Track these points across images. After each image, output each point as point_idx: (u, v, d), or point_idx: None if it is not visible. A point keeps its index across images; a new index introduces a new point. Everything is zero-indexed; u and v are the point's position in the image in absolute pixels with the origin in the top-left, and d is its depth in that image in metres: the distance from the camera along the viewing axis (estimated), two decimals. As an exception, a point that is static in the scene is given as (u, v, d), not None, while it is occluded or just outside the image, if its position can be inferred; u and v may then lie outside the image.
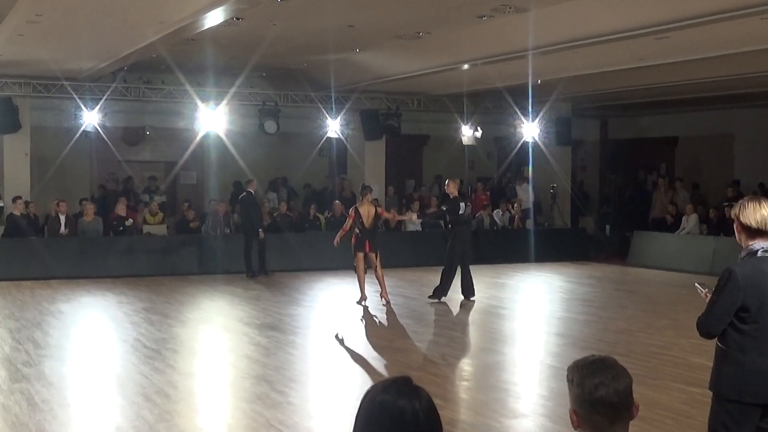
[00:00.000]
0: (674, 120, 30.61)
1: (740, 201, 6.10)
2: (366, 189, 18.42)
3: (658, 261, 25.13)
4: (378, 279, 18.02)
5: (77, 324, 16.24)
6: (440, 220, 19.18)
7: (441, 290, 18.46)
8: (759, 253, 5.96)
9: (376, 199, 26.48)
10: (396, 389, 3.19)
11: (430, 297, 18.50)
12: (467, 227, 19.48)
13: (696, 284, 6.58)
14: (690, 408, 9.83)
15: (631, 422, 3.63)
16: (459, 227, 18.61)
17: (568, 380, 3.63)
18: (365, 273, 18.00)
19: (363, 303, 17.88)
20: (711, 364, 6.22)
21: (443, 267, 18.57)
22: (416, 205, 26.87)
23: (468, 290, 18.64)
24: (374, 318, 16.79)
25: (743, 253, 6.05)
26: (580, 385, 3.55)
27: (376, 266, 17.90)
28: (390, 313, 17.31)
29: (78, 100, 23.39)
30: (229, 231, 24.25)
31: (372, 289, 18.17)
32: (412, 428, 3.13)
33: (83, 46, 19.51)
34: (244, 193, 22.99)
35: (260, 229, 22.62)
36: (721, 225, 23.59)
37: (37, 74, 22.98)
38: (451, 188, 18.55)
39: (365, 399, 3.23)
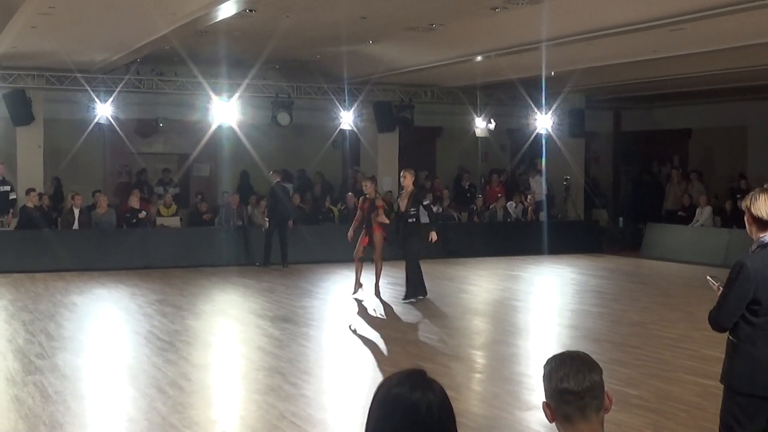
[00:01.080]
0: (688, 112, 30.52)
1: (751, 193, 6.08)
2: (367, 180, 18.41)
3: (672, 253, 25.08)
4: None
5: (90, 316, 16.27)
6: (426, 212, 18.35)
7: (417, 289, 17.78)
8: (770, 245, 5.96)
9: (390, 192, 26.59)
10: (410, 382, 3.19)
11: (404, 299, 17.63)
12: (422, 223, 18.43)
13: (708, 277, 6.57)
14: (703, 400, 9.81)
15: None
16: (418, 224, 17.80)
17: (542, 377, 3.68)
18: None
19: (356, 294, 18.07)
20: (723, 357, 6.21)
21: (407, 267, 17.76)
22: (429, 196, 26.84)
23: (414, 289, 17.74)
24: (387, 310, 16.78)
25: (754, 246, 6.04)
26: (548, 378, 3.61)
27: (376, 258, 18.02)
28: (403, 305, 17.29)
29: (91, 92, 23.41)
30: (241, 223, 24.23)
31: (385, 281, 18.18)
32: (426, 421, 3.13)
33: (96, 38, 19.54)
34: (276, 182, 23.17)
35: (290, 220, 22.94)
36: (734, 217, 23.52)
37: (50, 66, 23.01)
38: (408, 181, 17.56)
39: (379, 392, 3.23)
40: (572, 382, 3.52)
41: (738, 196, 22.00)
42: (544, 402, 3.65)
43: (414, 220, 17.40)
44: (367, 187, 18.06)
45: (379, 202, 17.82)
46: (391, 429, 3.14)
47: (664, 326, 15.11)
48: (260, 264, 22.77)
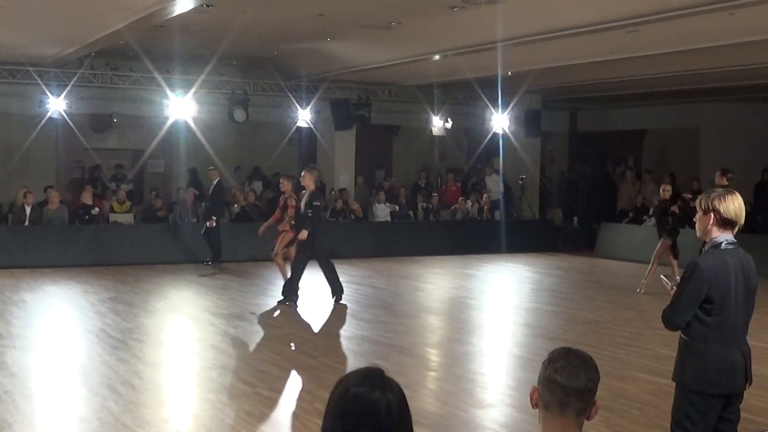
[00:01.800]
0: (642, 113, 30.77)
1: (715, 193, 6.09)
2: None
3: (625, 252, 25.22)
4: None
5: (41, 314, 16.08)
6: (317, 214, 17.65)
7: (336, 288, 17.27)
8: (723, 246, 6.03)
9: (345, 189, 26.62)
10: (370, 382, 3.17)
11: (336, 301, 17.19)
12: (324, 222, 17.97)
13: (661, 276, 6.64)
14: (655, 398, 9.88)
15: (598, 412, 3.64)
16: (320, 222, 17.44)
17: (543, 361, 3.72)
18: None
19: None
20: (675, 355, 6.26)
21: (321, 268, 17.29)
22: (382, 195, 26.87)
23: (289, 291, 17.15)
24: (342, 308, 16.75)
25: (707, 246, 6.11)
26: (546, 364, 3.66)
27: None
28: (358, 303, 17.28)
29: (43, 87, 23.17)
30: (196, 220, 24.11)
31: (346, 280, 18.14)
32: (384, 420, 3.12)
33: (49, 31, 19.35)
34: (217, 180, 22.89)
35: (214, 217, 22.49)
36: (686, 217, 23.66)
37: (2, 60, 22.74)
38: (307, 180, 16.97)
39: (336, 391, 3.21)
40: (564, 376, 3.57)
41: (689, 196, 22.12)
42: (534, 386, 3.70)
43: (309, 220, 16.81)
44: (284, 185, 17.83)
45: (291, 202, 17.41)
46: (349, 428, 3.12)
47: (618, 325, 15.19)
48: (211, 262, 22.61)
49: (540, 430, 3.66)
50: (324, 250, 17.13)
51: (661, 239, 18.76)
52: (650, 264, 18.60)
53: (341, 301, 17.05)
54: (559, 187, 32.50)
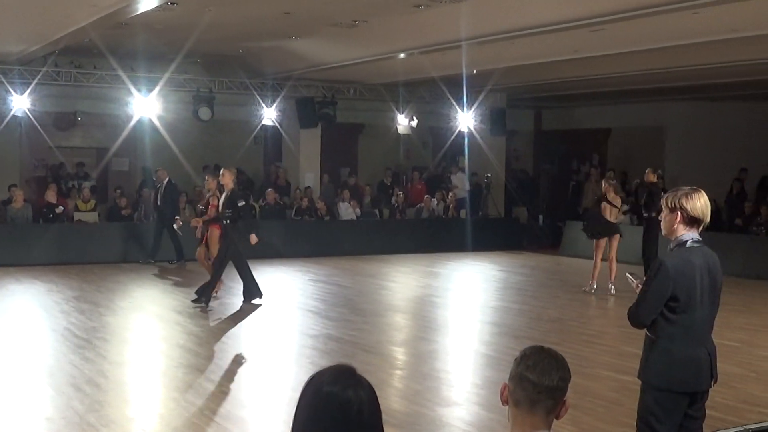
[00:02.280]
0: (607, 112, 30.89)
1: (681, 191, 6.11)
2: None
3: (590, 251, 25.08)
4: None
5: (5, 312, 15.96)
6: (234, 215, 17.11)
7: (252, 290, 16.92)
8: (688, 244, 6.05)
9: (309, 187, 26.61)
10: (342, 380, 3.17)
11: (245, 301, 16.79)
12: (251, 221, 17.29)
13: (627, 274, 6.66)
14: (621, 396, 9.93)
15: (567, 411, 3.66)
16: (239, 222, 16.73)
17: (514, 359, 3.72)
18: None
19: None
20: (641, 353, 6.29)
21: (236, 268, 16.86)
22: (347, 194, 26.86)
23: (203, 291, 16.64)
24: (308, 307, 16.74)
25: (672, 244, 6.14)
26: (518, 361, 3.65)
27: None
28: (324, 301, 17.29)
29: (7, 84, 22.98)
30: (150, 219, 24.02)
31: (308, 278, 18.13)
32: (357, 419, 3.13)
33: (12, 28, 19.18)
34: (167, 180, 22.90)
35: (177, 217, 21.98)
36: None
37: (-35, 58, 22.60)
38: (227, 179, 16.50)
39: (308, 389, 3.21)
40: (536, 374, 3.57)
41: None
42: (504, 382, 3.69)
43: (229, 221, 16.39)
44: (209, 183, 17.59)
45: (213, 201, 17.13)
46: (322, 427, 3.13)
47: (583, 323, 15.28)
48: (173, 261, 22.57)
49: (509, 428, 3.67)
50: (234, 252, 16.54)
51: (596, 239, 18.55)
52: (609, 265, 18.30)
53: (255, 301, 16.75)
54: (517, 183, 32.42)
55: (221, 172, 16.75)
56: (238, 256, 16.60)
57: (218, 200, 16.76)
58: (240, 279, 16.85)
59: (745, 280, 20.00)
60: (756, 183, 26.09)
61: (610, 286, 18.15)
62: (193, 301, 16.45)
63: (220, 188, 16.80)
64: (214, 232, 17.02)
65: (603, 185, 19.04)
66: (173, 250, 22.56)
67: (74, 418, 9.08)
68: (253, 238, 16.57)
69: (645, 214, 19.36)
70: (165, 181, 22.80)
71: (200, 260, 17.90)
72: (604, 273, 18.30)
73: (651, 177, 18.97)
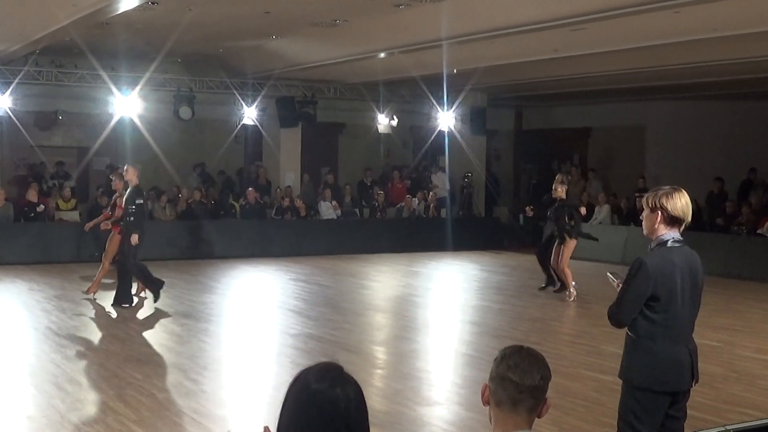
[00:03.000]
0: (588, 111, 30.94)
1: (662, 190, 6.11)
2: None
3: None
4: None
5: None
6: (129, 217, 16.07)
7: (123, 295, 16.21)
8: (669, 243, 6.06)
9: (290, 187, 26.60)
10: (330, 378, 3.18)
11: (113, 305, 16.11)
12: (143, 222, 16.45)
13: (608, 274, 6.66)
14: (601, 396, 9.96)
15: (548, 410, 3.67)
16: (137, 222, 15.94)
17: (494, 359, 3.71)
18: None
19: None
20: (622, 353, 6.31)
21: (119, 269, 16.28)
22: (327, 193, 26.86)
23: (122, 294, 16.22)
24: (289, 306, 16.75)
25: (653, 244, 6.14)
26: (498, 361, 3.65)
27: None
28: (304, 300, 17.30)
29: (-12, 84, 22.95)
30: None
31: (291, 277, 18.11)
32: (344, 417, 3.14)
33: (-7, 28, 19.15)
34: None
35: None
36: (632, 215, 23.92)
37: (-55, 57, 22.50)
38: (130, 175, 15.93)
39: (295, 387, 3.21)
40: (518, 374, 3.57)
41: (636, 195, 22.32)
42: (485, 383, 3.69)
43: (132, 218, 15.81)
44: (116, 183, 17.03)
45: (119, 201, 16.49)
46: (309, 425, 3.13)
47: (564, 322, 15.33)
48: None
49: (490, 428, 3.69)
50: (131, 252, 15.86)
51: (566, 240, 17.56)
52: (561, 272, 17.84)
53: (123, 306, 16.03)
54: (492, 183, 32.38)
55: (125, 168, 16.18)
56: (124, 254, 16.03)
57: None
58: (119, 280, 16.25)
59: (726, 280, 20.07)
60: (737, 182, 26.15)
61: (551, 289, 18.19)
62: (112, 304, 16.11)
63: (127, 188, 16.16)
64: (116, 236, 16.47)
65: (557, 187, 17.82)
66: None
67: (55, 416, 9.06)
68: (134, 239, 15.81)
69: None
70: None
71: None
72: (585, 272, 18.35)
73: (560, 193, 18.09)
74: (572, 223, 17.57)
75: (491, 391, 3.65)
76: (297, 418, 3.16)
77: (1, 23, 18.50)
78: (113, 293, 16.20)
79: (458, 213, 28.53)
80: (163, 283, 16.40)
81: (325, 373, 3.20)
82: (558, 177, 18.44)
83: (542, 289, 18.48)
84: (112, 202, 17.32)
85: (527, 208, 19.43)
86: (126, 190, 16.12)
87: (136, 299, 16.53)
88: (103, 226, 17.25)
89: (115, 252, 16.53)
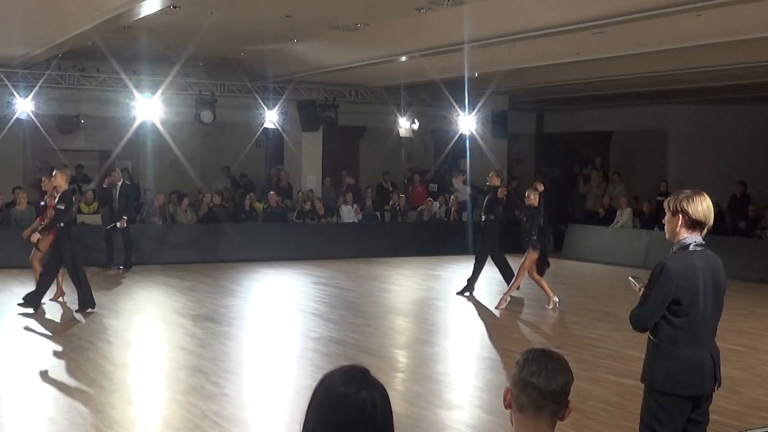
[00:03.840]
0: (609, 114, 30.87)
1: (683, 194, 6.10)
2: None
3: (592, 254, 25.37)
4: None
5: (7, 315, 15.92)
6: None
7: (34, 298, 15.78)
8: (691, 247, 6.04)
9: (311, 191, 26.62)
10: (357, 381, 3.18)
11: (80, 311, 15.75)
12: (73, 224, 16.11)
13: (629, 278, 6.64)
14: (623, 400, 9.93)
15: (570, 413, 3.66)
16: (68, 227, 15.60)
17: (516, 362, 3.70)
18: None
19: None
20: (643, 357, 6.28)
21: (69, 274, 15.88)
22: (349, 197, 26.88)
23: (84, 299, 15.85)
24: (310, 309, 16.76)
25: (675, 247, 6.12)
26: (520, 366, 3.63)
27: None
28: (325, 304, 17.30)
29: (11, 88, 23.03)
30: (164, 221, 24.11)
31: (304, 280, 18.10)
32: (369, 420, 3.13)
33: (16, 32, 19.21)
34: (121, 182, 22.34)
35: (125, 217, 21.93)
36: (654, 219, 23.86)
37: (-31, 61, 22.63)
38: (58, 180, 15.44)
39: (321, 389, 3.20)
40: (541, 379, 3.55)
41: (658, 198, 22.27)
42: (506, 387, 3.68)
43: (63, 224, 15.34)
44: (45, 184, 16.63)
45: (51, 202, 16.07)
46: (335, 427, 3.13)
47: (585, 326, 15.26)
48: (123, 268, 22.19)
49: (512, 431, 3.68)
50: (71, 258, 15.48)
51: (528, 251, 16.95)
52: (514, 277, 17.57)
53: (88, 311, 15.70)
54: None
55: (54, 173, 15.72)
56: (66, 261, 15.59)
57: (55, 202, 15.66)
58: (76, 287, 15.90)
59: (748, 284, 19.97)
60: (759, 186, 26.02)
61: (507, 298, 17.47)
62: (19, 304, 15.78)
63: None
64: (48, 237, 15.92)
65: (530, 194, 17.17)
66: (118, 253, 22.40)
67: (77, 419, 9.10)
68: (34, 237, 15.71)
69: (483, 216, 19.00)
70: (119, 183, 22.41)
71: (33, 263, 16.84)
72: (607, 275, 18.27)
73: (495, 181, 18.33)
74: (534, 236, 16.82)
75: (513, 396, 3.63)
76: (322, 420, 3.15)
77: (24, 28, 18.60)
78: (132, 300, 16.23)
79: (479, 216, 28.47)
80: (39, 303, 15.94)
81: (351, 376, 3.20)
82: (538, 180, 18.50)
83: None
84: (43, 204, 16.72)
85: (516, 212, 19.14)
86: (58, 193, 15.58)
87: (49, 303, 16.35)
88: (33, 238, 16.27)
89: (45, 254, 16.05)
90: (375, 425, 3.14)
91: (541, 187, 17.30)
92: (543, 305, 17.28)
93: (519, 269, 17.24)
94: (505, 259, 18.71)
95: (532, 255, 16.79)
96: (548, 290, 17.14)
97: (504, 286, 18.16)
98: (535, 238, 16.74)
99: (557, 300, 17.17)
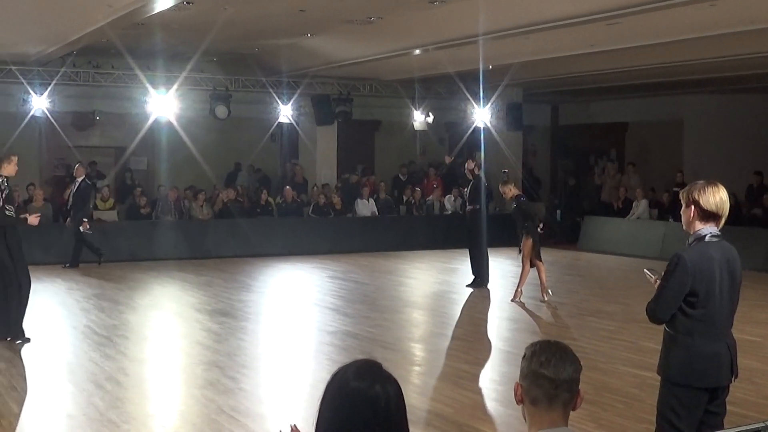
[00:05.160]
0: (624, 106, 30.77)
1: (696, 185, 6.08)
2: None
3: (609, 246, 25.31)
4: None
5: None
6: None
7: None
8: (707, 239, 6.01)
9: (327, 185, 26.65)
10: (370, 376, 3.17)
11: None
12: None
13: (645, 270, 6.61)
14: (640, 392, 9.91)
15: (582, 406, 3.65)
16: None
17: (522, 357, 3.68)
18: None
19: None
20: (660, 349, 6.26)
21: None
22: (366, 191, 26.87)
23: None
24: (326, 303, 16.77)
25: (691, 239, 6.09)
26: (528, 359, 3.61)
27: None
28: (342, 298, 17.32)
29: (26, 85, 23.09)
30: (179, 217, 24.18)
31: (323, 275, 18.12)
32: (384, 414, 3.13)
33: (31, 30, 19.28)
34: (82, 178, 21.68)
35: (85, 220, 21.26)
36: (670, 210, 23.80)
37: (-16, 58, 22.69)
38: (9, 169, 13.47)
39: (334, 385, 3.20)
40: (551, 369, 3.54)
41: (674, 189, 22.23)
42: (516, 382, 3.66)
43: None
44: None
45: None
46: (349, 422, 3.12)
47: (602, 318, 15.24)
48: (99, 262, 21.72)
49: (526, 426, 3.67)
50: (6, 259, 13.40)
51: (523, 239, 17.14)
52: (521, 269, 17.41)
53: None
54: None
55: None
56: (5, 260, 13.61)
57: None
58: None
59: (765, 274, 19.89)
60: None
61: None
62: None
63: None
64: None
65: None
66: (71, 253, 21.63)
67: (95, 414, 9.13)
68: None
69: (469, 207, 19.01)
70: (80, 179, 21.74)
71: None
72: (624, 267, 18.23)
73: (470, 165, 18.36)
74: (527, 224, 17.06)
75: (524, 390, 3.61)
76: (337, 416, 3.14)
77: (39, 25, 18.65)
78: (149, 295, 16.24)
79: (495, 209, 28.45)
80: None
81: (364, 370, 3.19)
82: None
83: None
84: None
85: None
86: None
87: None
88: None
89: None
90: (390, 419, 3.14)
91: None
92: (559, 297, 17.26)
93: (522, 261, 17.20)
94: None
95: (527, 242, 16.90)
96: (522, 283, 17.15)
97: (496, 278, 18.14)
98: (527, 225, 16.93)
99: (520, 297, 17.08)
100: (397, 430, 3.19)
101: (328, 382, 3.22)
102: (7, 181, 13.18)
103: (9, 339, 12.84)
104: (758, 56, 20.03)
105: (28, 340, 12.88)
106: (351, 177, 28.63)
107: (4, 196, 13.12)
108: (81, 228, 20.94)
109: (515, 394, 3.67)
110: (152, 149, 27.35)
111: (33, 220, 13.68)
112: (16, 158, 13.46)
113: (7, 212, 13.01)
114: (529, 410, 3.62)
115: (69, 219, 21.58)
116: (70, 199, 21.90)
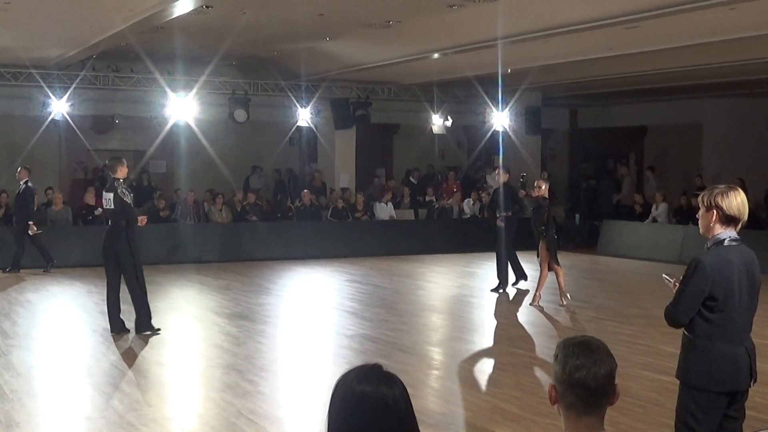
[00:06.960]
0: (643, 109, 30.75)
1: (717, 189, 6.06)
2: None
3: (628, 250, 25.23)
4: None
5: (46, 314, 16.10)
6: None
7: None
8: (725, 242, 6.00)
9: (347, 189, 26.69)
10: (374, 378, 3.16)
11: None
12: None
13: (663, 275, 6.59)
14: (659, 396, 9.88)
15: (619, 396, 3.61)
16: None
17: (553, 356, 3.60)
18: None
19: None
20: (679, 353, 6.25)
21: None
22: (388, 195, 26.91)
23: None
24: (344, 307, 16.78)
25: (709, 243, 6.08)
26: (561, 363, 3.52)
27: None
28: (360, 301, 17.32)
29: (46, 89, 23.22)
30: (198, 220, 24.25)
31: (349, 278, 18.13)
32: (394, 413, 3.12)
33: (51, 34, 19.38)
34: (24, 182, 20.96)
35: (31, 222, 20.82)
36: (689, 214, 23.73)
37: (5, 62, 22.79)
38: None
39: (339, 390, 3.19)
40: (590, 377, 3.45)
41: (695, 192, 22.17)
42: (551, 384, 3.58)
43: None
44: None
45: None
46: (358, 426, 3.12)
47: (620, 322, 15.20)
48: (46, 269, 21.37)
49: (546, 430, 3.65)
50: None
51: (541, 242, 17.06)
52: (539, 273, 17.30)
53: None
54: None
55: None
56: None
57: None
58: None
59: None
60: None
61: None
62: None
63: None
64: None
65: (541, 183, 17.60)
66: (13, 258, 21.15)
67: (114, 417, 9.15)
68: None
69: (503, 213, 18.93)
70: (23, 183, 21.04)
71: None
72: (642, 271, 18.18)
73: (541, 187, 18.08)
74: (543, 227, 16.99)
75: (559, 394, 3.53)
76: (348, 422, 3.13)
77: (59, 29, 18.74)
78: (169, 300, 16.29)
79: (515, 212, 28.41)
80: None
81: (366, 373, 3.18)
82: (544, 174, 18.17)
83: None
84: None
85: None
86: None
87: None
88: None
89: None
90: (401, 417, 3.13)
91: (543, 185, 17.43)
92: (578, 301, 17.23)
93: (540, 265, 17.15)
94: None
95: (544, 246, 16.87)
96: (540, 287, 17.10)
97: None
98: (542, 228, 16.88)
99: (538, 301, 17.01)
100: (409, 427, 3.19)
101: (332, 391, 3.21)
102: (122, 182, 14.21)
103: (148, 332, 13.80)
104: (777, 59, 19.99)
105: (158, 331, 13.92)
106: (375, 181, 28.65)
107: (131, 195, 14.33)
108: (30, 231, 20.71)
109: (550, 397, 3.58)
110: (171, 153, 27.47)
111: (142, 221, 14.57)
112: (125, 161, 14.72)
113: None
114: (565, 415, 3.54)
115: (15, 222, 21.10)
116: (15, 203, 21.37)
